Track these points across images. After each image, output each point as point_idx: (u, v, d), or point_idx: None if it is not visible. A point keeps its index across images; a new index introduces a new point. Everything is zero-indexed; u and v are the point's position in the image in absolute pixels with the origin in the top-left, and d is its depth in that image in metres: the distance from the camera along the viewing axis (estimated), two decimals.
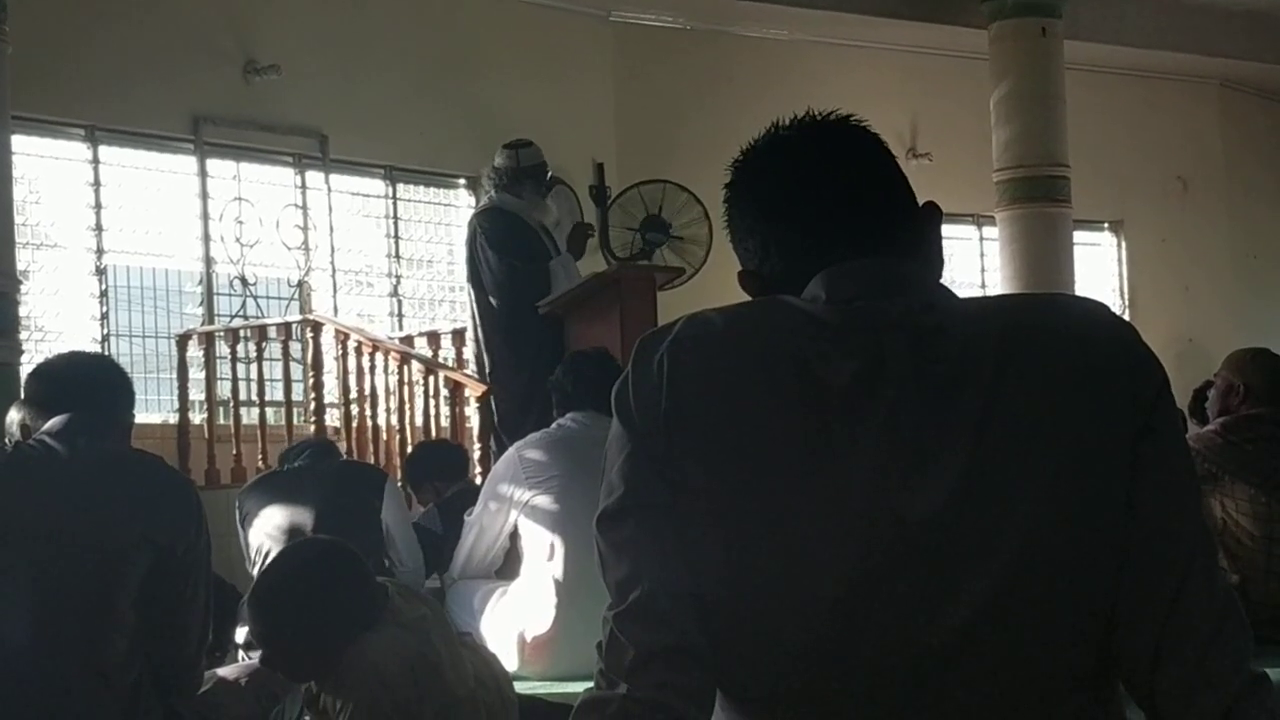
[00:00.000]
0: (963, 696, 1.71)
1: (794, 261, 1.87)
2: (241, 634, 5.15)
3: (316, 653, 3.51)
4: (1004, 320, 1.78)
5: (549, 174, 8.30)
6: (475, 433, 8.26)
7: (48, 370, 4.11)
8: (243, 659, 5.00)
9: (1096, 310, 1.83)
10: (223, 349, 9.66)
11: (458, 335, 9.64)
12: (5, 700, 3.54)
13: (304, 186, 11.48)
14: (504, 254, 8.01)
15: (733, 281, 1.96)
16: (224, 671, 4.32)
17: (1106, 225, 15.44)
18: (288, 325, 9.68)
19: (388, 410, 9.10)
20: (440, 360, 9.48)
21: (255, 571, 5.32)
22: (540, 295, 7.92)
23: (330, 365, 9.55)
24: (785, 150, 1.92)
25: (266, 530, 5.35)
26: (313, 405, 9.40)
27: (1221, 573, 1.83)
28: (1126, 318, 13.94)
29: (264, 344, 9.51)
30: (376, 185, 12.06)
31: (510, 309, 8.04)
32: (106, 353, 10.15)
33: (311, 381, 9.50)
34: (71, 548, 3.61)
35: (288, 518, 5.32)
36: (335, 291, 11.68)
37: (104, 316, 10.47)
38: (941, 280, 1.89)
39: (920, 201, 1.93)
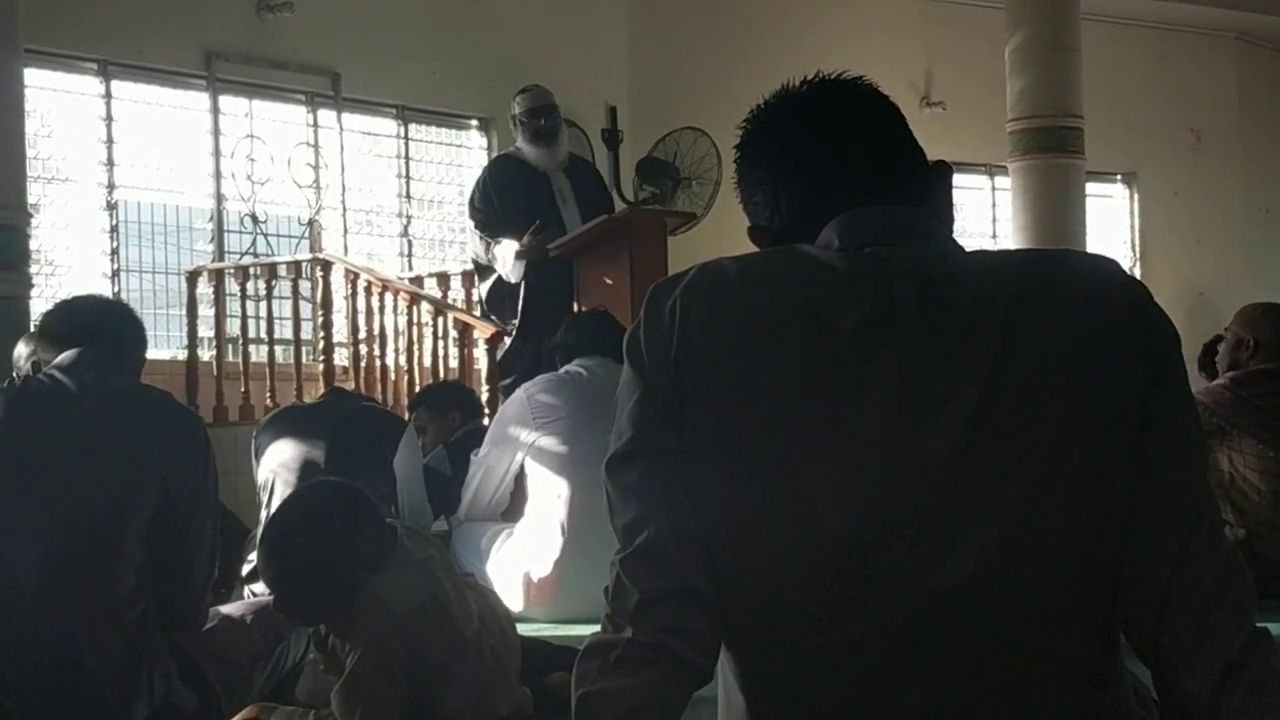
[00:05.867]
0: (968, 643, 1.72)
1: (804, 212, 1.88)
2: (247, 569, 5.16)
3: (329, 597, 3.52)
4: (1016, 274, 1.78)
5: (542, 120, 8.26)
6: (484, 375, 8.27)
7: (62, 307, 4.11)
8: (248, 595, 5.02)
9: (1108, 267, 1.83)
10: (232, 286, 9.66)
11: (467, 277, 9.64)
12: (13, 633, 3.56)
13: (316, 125, 11.47)
14: (473, 206, 8.18)
15: (743, 229, 1.97)
16: (229, 609, 4.33)
17: (1119, 177, 15.40)
18: (298, 264, 9.69)
19: (396, 351, 9.12)
20: (449, 301, 9.49)
21: (262, 503, 5.34)
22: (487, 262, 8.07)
23: (340, 304, 9.55)
24: (796, 106, 1.92)
25: (272, 465, 5.33)
26: (322, 344, 9.42)
27: (1226, 528, 1.84)
28: (1138, 271, 13.97)
29: (274, 282, 9.52)
30: (388, 125, 12.05)
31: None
32: (116, 288, 10.20)
33: (321, 320, 9.51)
34: (79, 482, 3.61)
35: (297, 453, 5.30)
36: (345, 231, 11.68)
37: (114, 252, 10.47)
38: (952, 235, 1.89)
39: (932, 158, 1.94)
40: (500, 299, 8.18)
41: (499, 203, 8.04)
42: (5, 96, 7.94)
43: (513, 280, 7.93)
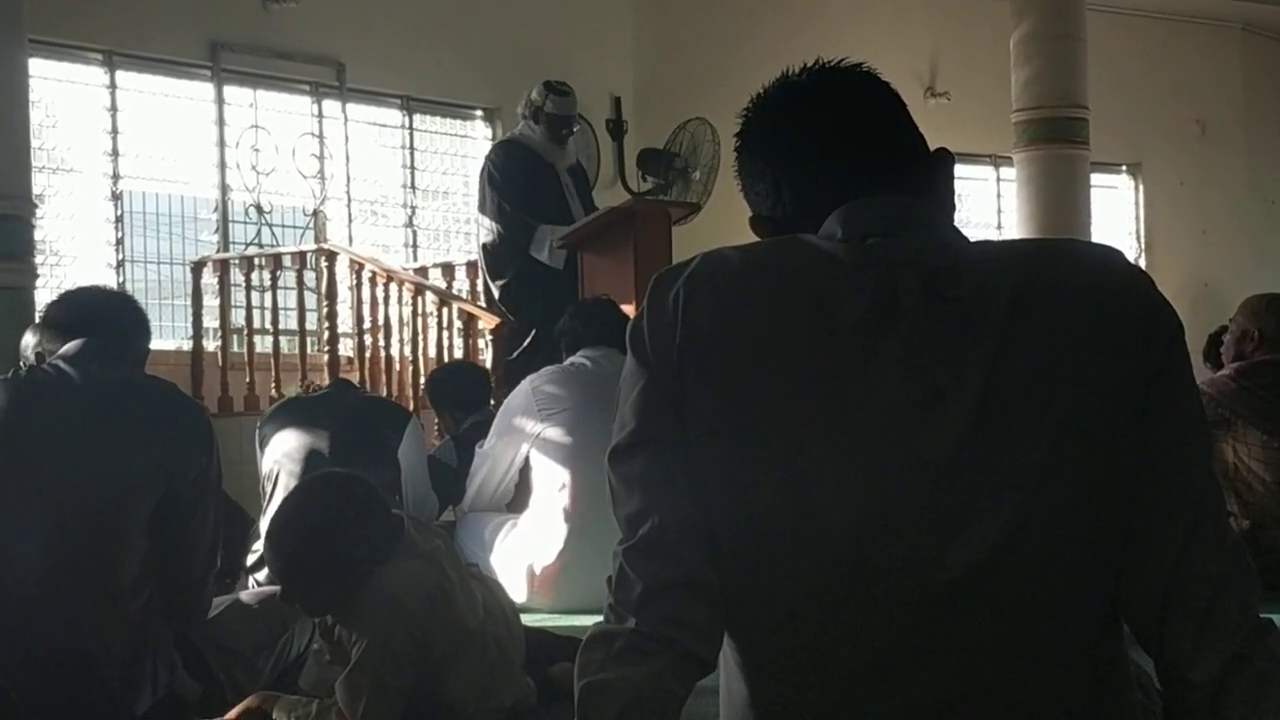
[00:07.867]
0: (972, 636, 1.71)
1: (806, 203, 1.87)
2: (252, 559, 5.17)
3: (335, 588, 3.51)
4: (1019, 263, 1.77)
5: (571, 127, 8.38)
6: (489, 365, 8.28)
7: (66, 297, 4.12)
8: (252, 584, 5.02)
9: (1112, 256, 1.82)
10: (237, 277, 9.67)
11: (472, 267, 9.65)
12: (17, 622, 3.56)
13: (321, 115, 11.47)
14: (497, 190, 8.14)
15: (746, 219, 1.96)
16: (231, 598, 4.33)
17: (1124, 168, 15.39)
18: (303, 254, 9.70)
19: (401, 341, 9.13)
20: (454, 292, 9.50)
21: (266, 494, 5.34)
22: (521, 245, 8.02)
23: (344, 295, 9.56)
24: (797, 95, 1.92)
25: (276, 456, 5.34)
26: (326, 335, 9.42)
27: (1230, 519, 1.83)
28: (1143, 262, 13.95)
29: (279, 272, 9.52)
30: (393, 115, 12.04)
31: (500, 241, 8.14)
32: (121, 278, 10.22)
33: (326, 311, 9.52)
34: (83, 473, 3.61)
35: (301, 443, 5.31)
36: (350, 221, 11.68)
37: (119, 242, 10.47)
38: (953, 223, 1.89)
39: (934, 146, 1.93)
40: (518, 300, 8.20)
41: (517, 185, 8.10)
42: (10, 87, 7.95)
43: (559, 267, 7.95)
